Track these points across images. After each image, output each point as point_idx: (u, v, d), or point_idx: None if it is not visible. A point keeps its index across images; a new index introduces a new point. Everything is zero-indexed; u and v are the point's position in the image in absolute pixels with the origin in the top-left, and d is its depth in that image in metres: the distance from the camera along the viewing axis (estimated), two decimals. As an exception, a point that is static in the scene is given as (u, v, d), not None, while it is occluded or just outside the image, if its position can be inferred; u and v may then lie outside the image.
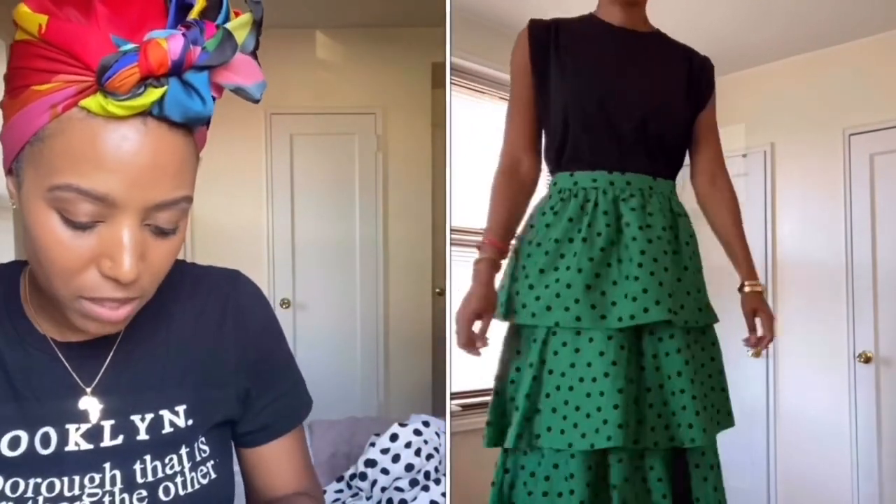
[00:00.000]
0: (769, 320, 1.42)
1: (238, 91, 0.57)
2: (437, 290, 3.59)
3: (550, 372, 1.26)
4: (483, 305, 1.30)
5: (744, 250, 1.43)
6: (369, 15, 3.29)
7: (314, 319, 3.51)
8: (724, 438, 2.52)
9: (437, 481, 1.93)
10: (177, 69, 0.53)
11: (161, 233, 0.60)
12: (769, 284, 3.00)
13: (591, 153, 1.31)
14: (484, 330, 1.31)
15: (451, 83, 2.56)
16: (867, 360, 2.70)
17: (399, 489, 1.86)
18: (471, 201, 2.85)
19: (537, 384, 1.27)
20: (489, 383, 3.05)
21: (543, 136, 1.38)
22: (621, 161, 1.30)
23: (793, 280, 2.96)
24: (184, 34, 0.54)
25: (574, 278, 1.25)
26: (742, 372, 3.03)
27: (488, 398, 3.03)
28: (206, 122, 0.59)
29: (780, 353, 2.98)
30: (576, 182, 1.31)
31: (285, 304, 3.49)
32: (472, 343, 1.30)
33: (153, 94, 0.53)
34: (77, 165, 0.54)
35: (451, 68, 2.53)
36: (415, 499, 1.82)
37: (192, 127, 0.59)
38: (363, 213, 3.53)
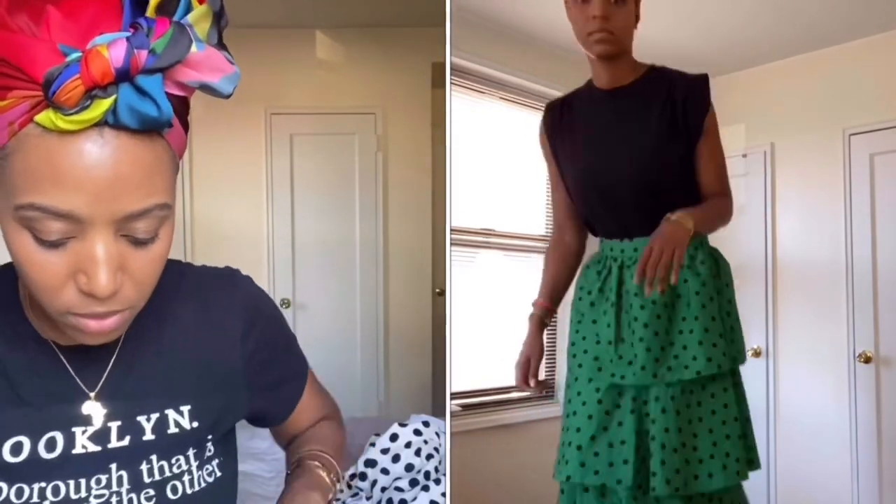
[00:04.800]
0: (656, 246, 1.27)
1: (204, 88, 0.54)
2: (437, 291, 3.59)
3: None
4: (531, 352, 1.52)
5: (702, 206, 1.38)
6: (369, 15, 3.29)
7: (314, 319, 3.51)
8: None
9: (437, 481, 1.93)
10: (123, 76, 0.50)
11: (139, 242, 0.58)
12: (769, 284, 3.00)
13: (598, 224, 1.44)
14: (535, 370, 1.53)
15: (451, 83, 2.56)
16: (867, 360, 2.69)
17: (399, 489, 1.86)
18: (471, 201, 2.85)
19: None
20: (489, 383, 3.06)
21: None
22: (626, 229, 1.39)
23: (793, 280, 2.96)
24: (128, 38, 0.50)
25: (595, 335, 1.43)
26: (742, 372, 3.03)
27: (488, 398, 3.05)
28: (171, 125, 0.55)
29: (780, 353, 2.98)
30: (601, 250, 1.46)
31: (285, 304, 3.49)
32: (526, 381, 1.53)
33: (101, 106, 0.51)
34: (37, 184, 0.52)
35: (451, 68, 2.52)
36: (415, 499, 1.82)
37: (159, 131, 0.56)
38: (363, 213, 3.52)
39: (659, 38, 2.81)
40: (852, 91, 2.80)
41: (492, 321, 2.94)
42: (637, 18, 1.39)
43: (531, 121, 3.08)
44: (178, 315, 0.75)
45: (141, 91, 0.51)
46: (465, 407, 2.72)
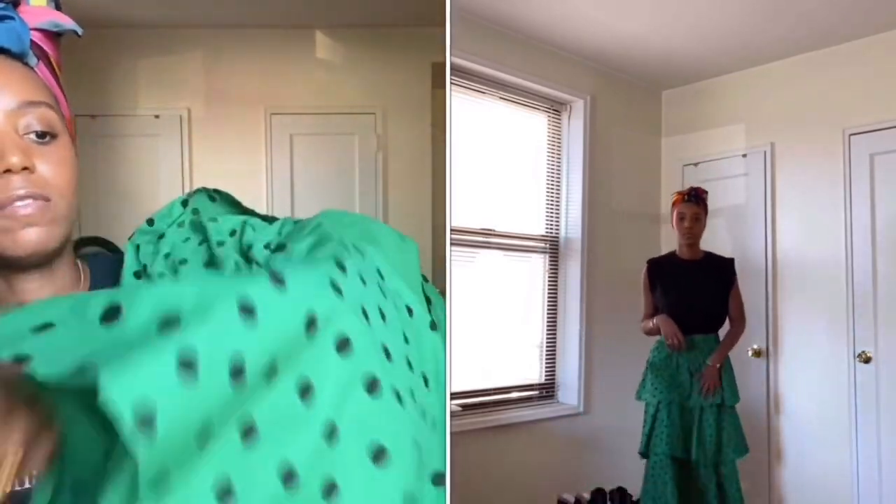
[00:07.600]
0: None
1: (56, 26, 0.71)
2: (437, 291, 3.59)
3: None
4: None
5: (720, 348, 2.62)
6: (369, 15, 3.29)
7: (314, 319, 3.50)
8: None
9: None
10: None
11: (42, 137, 0.69)
12: (769, 284, 3.01)
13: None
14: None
15: (451, 83, 2.56)
16: (867, 360, 2.69)
17: (399, 489, 1.86)
18: (471, 201, 2.84)
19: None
20: (489, 384, 3.06)
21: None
22: (687, 330, 2.55)
23: (793, 280, 2.96)
24: None
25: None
26: (743, 371, 3.03)
27: (488, 398, 3.06)
28: (37, 56, 0.71)
29: (780, 353, 2.98)
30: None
31: (285, 304, 3.49)
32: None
33: None
34: None
35: (451, 68, 2.52)
36: (415, 499, 1.81)
37: (28, 62, 0.71)
38: (363, 213, 3.52)
39: (661, 39, 2.81)
40: (852, 91, 2.80)
41: (492, 321, 2.95)
42: (704, 227, 2.65)
43: (531, 121, 3.08)
44: None
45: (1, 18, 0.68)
46: (465, 407, 2.72)
